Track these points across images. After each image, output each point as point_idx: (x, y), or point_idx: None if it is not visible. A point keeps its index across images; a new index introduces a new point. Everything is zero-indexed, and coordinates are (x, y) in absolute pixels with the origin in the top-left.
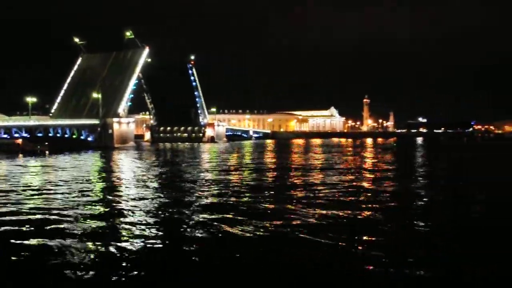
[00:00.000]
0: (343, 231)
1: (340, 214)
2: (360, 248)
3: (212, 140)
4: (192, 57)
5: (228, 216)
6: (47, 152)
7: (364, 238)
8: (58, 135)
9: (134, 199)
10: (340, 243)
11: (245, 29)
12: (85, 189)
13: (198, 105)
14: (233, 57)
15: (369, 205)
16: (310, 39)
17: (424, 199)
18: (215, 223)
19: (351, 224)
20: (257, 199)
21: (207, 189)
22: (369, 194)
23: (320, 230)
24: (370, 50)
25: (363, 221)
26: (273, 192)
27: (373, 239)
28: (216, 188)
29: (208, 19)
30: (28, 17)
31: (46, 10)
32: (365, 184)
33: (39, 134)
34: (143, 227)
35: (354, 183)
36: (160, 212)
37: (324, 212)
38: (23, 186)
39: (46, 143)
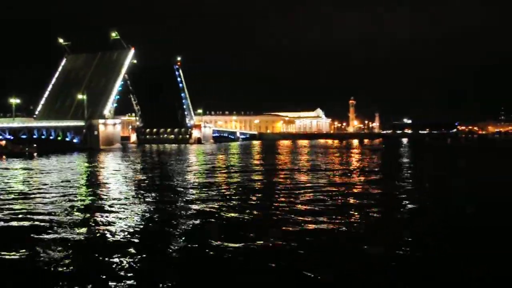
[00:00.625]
0: (338, 232)
1: (334, 215)
2: (355, 248)
3: (198, 141)
4: (179, 58)
5: (216, 221)
6: (35, 154)
7: (359, 239)
8: (43, 137)
9: (119, 204)
10: (337, 244)
11: (245, 29)
12: (72, 193)
13: (184, 106)
14: (233, 57)
15: (362, 206)
16: (310, 39)
17: (417, 200)
18: (204, 229)
19: (346, 225)
20: (245, 202)
21: (193, 193)
22: (360, 196)
23: (316, 230)
24: (357, 52)
25: (357, 222)
26: (260, 195)
27: (367, 239)
28: (202, 192)
29: (208, 19)
30: (28, 17)
31: (46, 10)
32: (356, 186)
33: (23, 136)
34: (127, 234)
35: (345, 185)
36: (145, 218)
37: (317, 212)
38: (14, 190)
39: (35, 145)
